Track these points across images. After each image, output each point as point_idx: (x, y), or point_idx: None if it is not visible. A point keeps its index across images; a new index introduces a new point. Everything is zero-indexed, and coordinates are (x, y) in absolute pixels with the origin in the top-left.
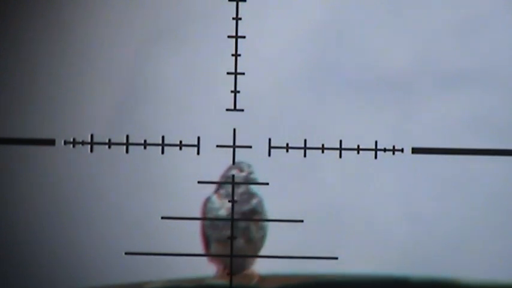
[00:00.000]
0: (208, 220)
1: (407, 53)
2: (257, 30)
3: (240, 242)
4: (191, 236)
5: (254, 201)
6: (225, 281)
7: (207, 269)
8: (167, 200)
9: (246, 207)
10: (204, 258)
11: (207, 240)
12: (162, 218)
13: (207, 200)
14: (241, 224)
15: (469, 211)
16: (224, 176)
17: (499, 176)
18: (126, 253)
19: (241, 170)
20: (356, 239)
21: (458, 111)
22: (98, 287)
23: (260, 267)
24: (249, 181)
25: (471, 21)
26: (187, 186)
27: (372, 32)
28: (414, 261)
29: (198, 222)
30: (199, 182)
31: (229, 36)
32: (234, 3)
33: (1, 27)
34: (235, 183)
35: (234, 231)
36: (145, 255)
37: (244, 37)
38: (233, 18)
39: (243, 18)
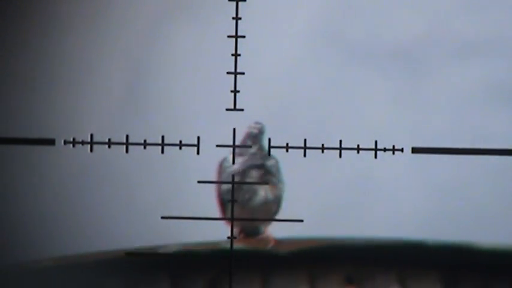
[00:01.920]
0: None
1: (418, 24)
2: (257, 30)
3: (256, 203)
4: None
5: (269, 162)
6: (240, 245)
7: (222, 232)
8: (167, 200)
9: (259, 168)
10: (219, 222)
11: (223, 204)
12: (162, 217)
13: (223, 160)
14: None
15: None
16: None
17: (501, 173)
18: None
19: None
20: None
21: (469, 81)
22: (112, 251)
23: (276, 231)
24: (261, 141)
25: None
26: (187, 186)
27: (377, 23)
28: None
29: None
30: (199, 182)
31: (229, 36)
32: (234, 3)
33: (1, 27)
34: (235, 183)
35: (248, 192)
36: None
37: (244, 37)
38: (233, 18)
39: (243, 18)
